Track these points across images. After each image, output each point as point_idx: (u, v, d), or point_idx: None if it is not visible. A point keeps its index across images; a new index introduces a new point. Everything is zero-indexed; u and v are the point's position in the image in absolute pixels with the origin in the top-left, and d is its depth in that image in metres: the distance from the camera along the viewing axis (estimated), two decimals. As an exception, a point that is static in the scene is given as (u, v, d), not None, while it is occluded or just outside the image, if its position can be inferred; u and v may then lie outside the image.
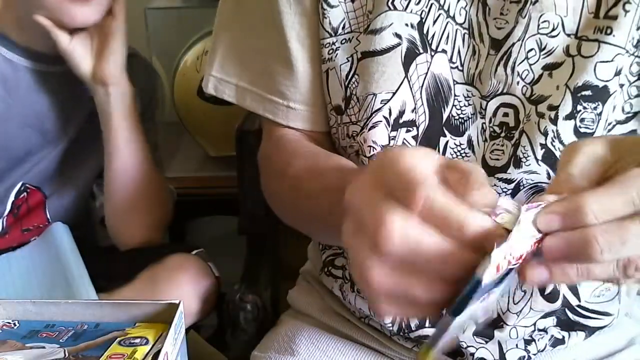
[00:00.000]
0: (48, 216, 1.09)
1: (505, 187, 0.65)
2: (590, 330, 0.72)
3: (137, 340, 0.50)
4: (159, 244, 1.12)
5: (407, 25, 0.65)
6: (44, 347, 0.50)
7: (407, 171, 0.40)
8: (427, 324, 0.70)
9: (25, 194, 1.06)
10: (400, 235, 0.39)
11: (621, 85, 0.62)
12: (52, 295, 0.95)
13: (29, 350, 0.50)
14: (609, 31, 0.60)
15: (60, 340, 0.51)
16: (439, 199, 0.39)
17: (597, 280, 0.41)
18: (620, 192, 0.39)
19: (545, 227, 0.39)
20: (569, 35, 0.62)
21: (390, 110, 0.66)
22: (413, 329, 0.71)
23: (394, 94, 0.66)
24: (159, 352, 0.48)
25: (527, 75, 0.63)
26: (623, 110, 0.64)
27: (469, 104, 0.65)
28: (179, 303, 0.52)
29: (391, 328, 0.72)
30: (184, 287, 0.99)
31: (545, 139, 0.63)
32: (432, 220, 0.39)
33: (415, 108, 0.66)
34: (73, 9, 0.93)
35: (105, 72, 0.99)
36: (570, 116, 0.62)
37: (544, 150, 0.63)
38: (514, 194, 0.65)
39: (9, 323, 0.54)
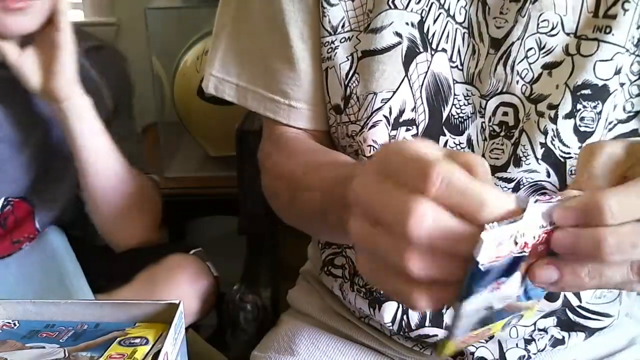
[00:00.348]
0: (37, 226, 1.07)
1: (505, 186, 0.65)
2: (590, 331, 0.72)
3: (137, 340, 0.50)
4: (157, 243, 1.11)
5: (407, 24, 0.65)
6: (44, 347, 0.50)
7: (415, 156, 0.39)
8: (427, 323, 0.70)
9: (10, 207, 1.03)
10: (432, 219, 0.38)
11: (622, 84, 0.62)
12: (49, 298, 0.94)
13: (29, 350, 0.50)
14: (608, 30, 0.60)
15: (60, 340, 0.51)
16: (457, 176, 0.38)
17: (609, 284, 0.40)
18: None
19: (562, 221, 0.39)
20: (568, 34, 0.62)
21: (390, 109, 0.66)
22: (413, 328, 0.71)
23: (394, 93, 0.66)
24: (159, 352, 0.48)
25: (526, 74, 0.63)
26: (624, 109, 0.64)
27: (469, 103, 0.65)
28: (179, 303, 0.52)
29: (391, 327, 0.72)
30: (183, 287, 0.99)
31: (545, 138, 0.63)
32: (450, 201, 0.38)
33: (415, 107, 0.66)
34: (7, 18, 0.90)
35: (56, 88, 0.94)
36: (570, 115, 0.62)
37: (543, 149, 0.63)
38: (514, 192, 0.65)
39: (9, 323, 0.54)
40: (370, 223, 0.41)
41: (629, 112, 0.64)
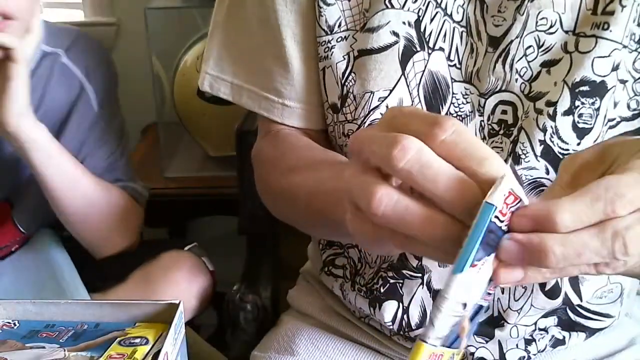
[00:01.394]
0: (21, 229, 1.06)
1: None
2: (591, 331, 0.72)
3: (137, 340, 0.50)
4: (152, 240, 1.11)
5: (404, 23, 0.65)
6: (44, 347, 0.50)
7: (425, 112, 0.41)
8: (427, 323, 0.70)
9: None
10: (415, 151, 0.38)
11: (623, 81, 0.62)
12: (46, 298, 0.94)
13: (29, 350, 0.50)
14: (605, 26, 0.60)
15: (60, 340, 0.51)
16: (467, 129, 0.39)
17: (570, 274, 0.40)
18: (590, 202, 0.38)
19: (518, 229, 0.39)
20: (566, 32, 0.62)
21: (387, 107, 0.66)
22: (413, 327, 0.71)
23: (390, 91, 0.66)
24: (159, 352, 0.48)
25: (525, 72, 0.63)
26: (629, 107, 0.63)
27: (467, 102, 0.65)
28: (179, 303, 0.52)
29: (391, 327, 0.72)
30: (179, 284, 0.99)
31: (544, 135, 0.63)
32: (456, 148, 0.39)
33: (412, 105, 0.66)
34: None
35: (3, 121, 0.91)
36: (568, 112, 0.62)
37: (542, 146, 0.63)
38: None
39: (9, 323, 0.54)
40: (362, 167, 0.41)
41: (634, 110, 0.63)
